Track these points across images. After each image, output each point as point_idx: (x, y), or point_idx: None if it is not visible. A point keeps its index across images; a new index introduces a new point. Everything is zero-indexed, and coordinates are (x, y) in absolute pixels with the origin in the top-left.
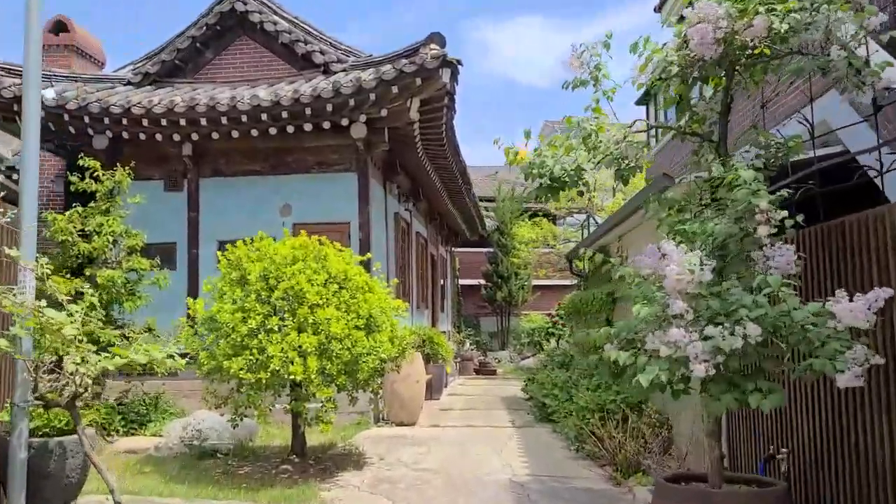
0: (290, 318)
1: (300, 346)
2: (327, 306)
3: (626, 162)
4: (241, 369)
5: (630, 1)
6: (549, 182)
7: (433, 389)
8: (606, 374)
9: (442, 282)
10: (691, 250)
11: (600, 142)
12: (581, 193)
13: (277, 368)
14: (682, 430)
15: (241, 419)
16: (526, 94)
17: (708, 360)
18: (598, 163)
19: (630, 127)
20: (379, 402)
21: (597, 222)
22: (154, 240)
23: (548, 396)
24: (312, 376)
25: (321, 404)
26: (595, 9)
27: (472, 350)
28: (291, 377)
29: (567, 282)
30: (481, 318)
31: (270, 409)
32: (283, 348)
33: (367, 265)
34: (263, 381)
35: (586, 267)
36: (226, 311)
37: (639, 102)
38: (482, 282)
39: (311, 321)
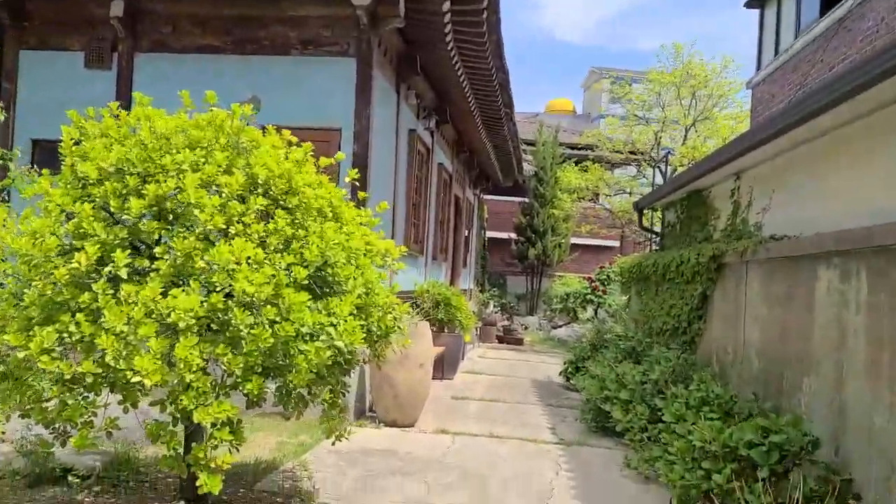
0: (166, 258)
1: (167, 314)
2: (237, 238)
3: None
4: (47, 352)
5: None
6: None
7: (446, 366)
8: None
9: (466, 232)
10: None
11: None
12: None
13: (112, 360)
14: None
15: (64, 441)
16: (566, 51)
17: None
18: None
19: None
20: (366, 388)
21: (664, 172)
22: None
23: (612, 402)
24: (188, 377)
25: (211, 429)
26: None
27: (496, 313)
28: (137, 379)
29: (611, 242)
30: (508, 278)
31: (111, 432)
32: (130, 317)
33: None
34: (89, 381)
35: (666, 221)
36: (32, 232)
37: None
38: (513, 236)
39: (199, 266)
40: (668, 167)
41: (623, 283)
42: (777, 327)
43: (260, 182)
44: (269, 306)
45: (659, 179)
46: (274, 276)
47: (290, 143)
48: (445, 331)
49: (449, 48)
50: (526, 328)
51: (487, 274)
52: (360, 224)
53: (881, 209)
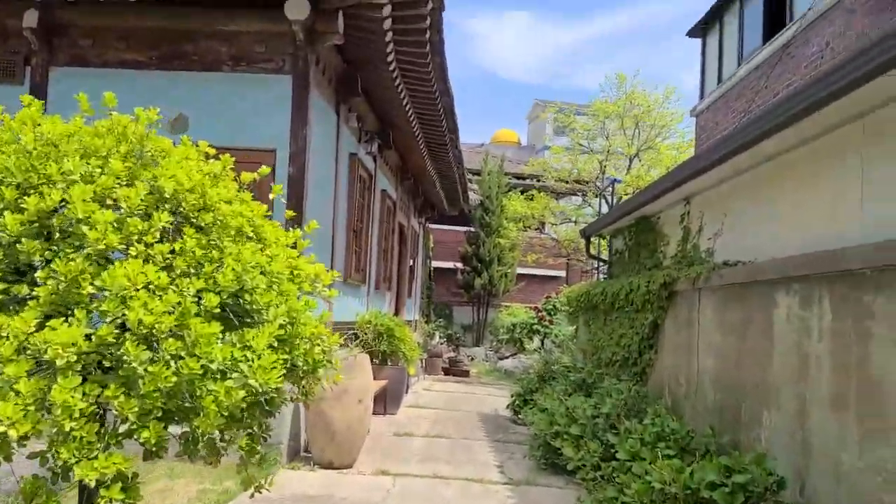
0: (50, 283)
1: (44, 350)
2: (135, 259)
3: None
4: None
5: (618, 4)
6: None
7: (388, 401)
8: None
9: (411, 261)
10: None
11: None
12: None
13: None
14: None
15: None
16: (509, 89)
17: None
18: None
19: None
20: (301, 426)
21: (609, 201)
22: None
23: (563, 438)
24: (68, 425)
25: (98, 487)
26: (583, 9)
27: (441, 344)
28: (1, 429)
29: (557, 272)
30: (454, 308)
31: None
32: None
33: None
34: None
35: (614, 248)
36: None
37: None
38: (459, 265)
39: (86, 292)
40: (614, 196)
41: (570, 313)
42: (733, 356)
43: (167, 196)
44: (172, 339)
45: (605, 209)
46: (180, 303)
47: (207, 156)
48: (388, 363)
49: (391, 68)
50: (472, 359)
51: (433, 304)
52: (287, 246)
53: (825, 234)
